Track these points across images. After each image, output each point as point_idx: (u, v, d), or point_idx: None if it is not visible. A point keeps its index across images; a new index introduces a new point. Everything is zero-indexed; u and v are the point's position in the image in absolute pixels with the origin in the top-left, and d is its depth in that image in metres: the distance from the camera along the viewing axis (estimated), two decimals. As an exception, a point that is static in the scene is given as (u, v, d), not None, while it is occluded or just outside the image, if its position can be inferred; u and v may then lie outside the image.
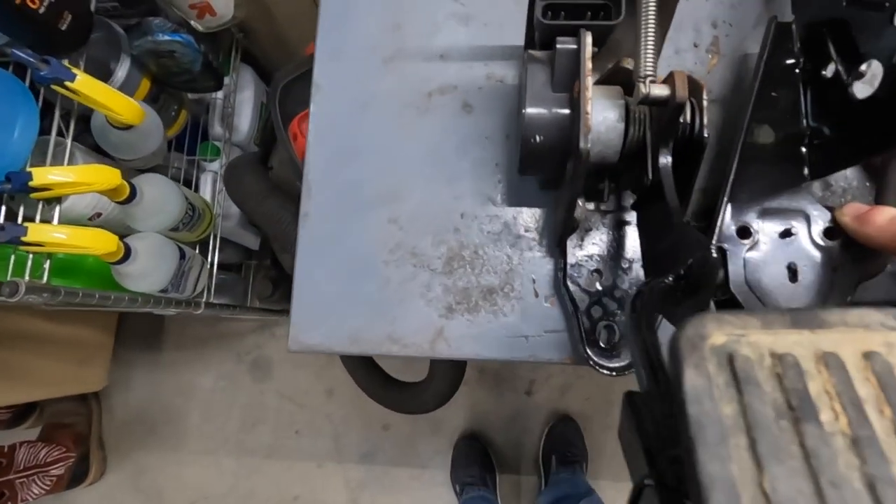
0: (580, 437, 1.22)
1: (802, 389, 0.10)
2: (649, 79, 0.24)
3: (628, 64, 0.28)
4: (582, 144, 0.23)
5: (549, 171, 0.28)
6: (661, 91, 0.23)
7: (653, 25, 0.24)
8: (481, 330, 0.30)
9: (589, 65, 0.24)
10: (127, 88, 0.86)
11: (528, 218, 0.31)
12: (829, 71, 0.27)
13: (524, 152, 0.26)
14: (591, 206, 0.31)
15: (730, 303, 0.28)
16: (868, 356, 0.11)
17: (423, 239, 0.31)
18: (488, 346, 0.30)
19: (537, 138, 0.26)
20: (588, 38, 0.24)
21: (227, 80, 1.07)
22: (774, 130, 0.29)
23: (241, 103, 1.15)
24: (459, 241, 0.31)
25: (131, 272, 0.74)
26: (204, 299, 0.98)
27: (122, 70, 0.85)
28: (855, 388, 0.11)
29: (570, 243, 0.30)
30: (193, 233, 0.92)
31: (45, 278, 0.64)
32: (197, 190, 1.07)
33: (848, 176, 0.30)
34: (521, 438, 1.30)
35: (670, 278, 0.21)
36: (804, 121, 0.28)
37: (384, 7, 0.34)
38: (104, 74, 0.84)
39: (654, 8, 0.24)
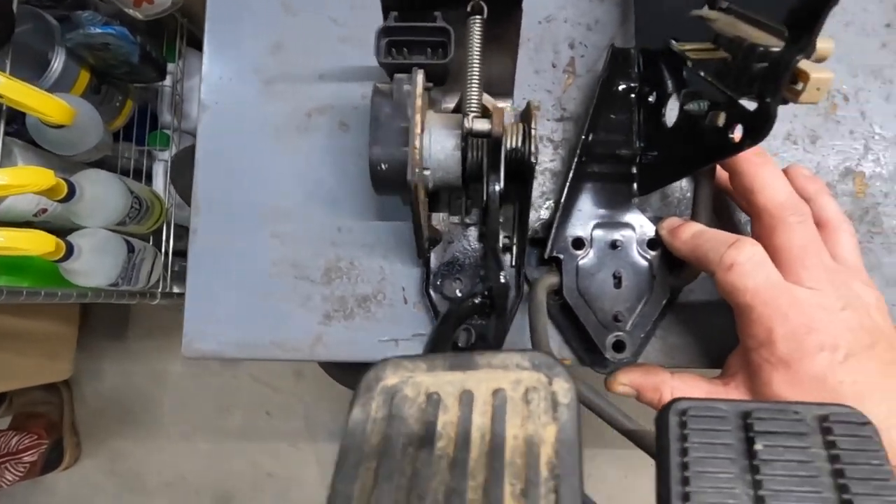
0: None
1: (434, 422, 0.14)
2: (472, 114, 0.26)
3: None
4: (409, 177, 0.26)
5: (400, 193, 0.31)
6: (482, 126, 0.26)
7: (477, 66, 0.27)
8: (356, 335, 0.33)
9: (419, 102, 0.26)
10: (64, 81, 0.85)
11: (399, 230, 0.34)
12: (653, 97, 0.30)
13: (373, 178, 0.29)
14: (455, 219, 0.34)
15: (565, 306, 0.31)
16: (496, 392, 0.14)
17: (303, 252, 0.34)
18: (363, 349, 0.33)
19: (382, 166, 0.28)
20: (419, 77, 0.27)
21: (173, 66, 1.06)
22: (610, 150, 0.32)
23: (191, 89, 1.13)
24: (337, 253, 0.34)
25: (77, 269, 0.76)
26: (160, 289, 1.00)
27: (57, 62, 0.84)
28: (472, 419, 0.14)
29: (434, 254, 0.33)
30: (143, 225, 0.93)
31: (-15, 279, 0.66)
32: (150, 180, 1.07)
33: (683, 187, 0.33)
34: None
35: (478, 298, 0.24)
36: (636, 141, 0.31)
37: (267, 28, 0.36)
38: (41, 66, 0.83)
39: (477, 51, 0.27)
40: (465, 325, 0.32)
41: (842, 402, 0.25)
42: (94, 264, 0.78)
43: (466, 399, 0.14)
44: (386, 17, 0.28)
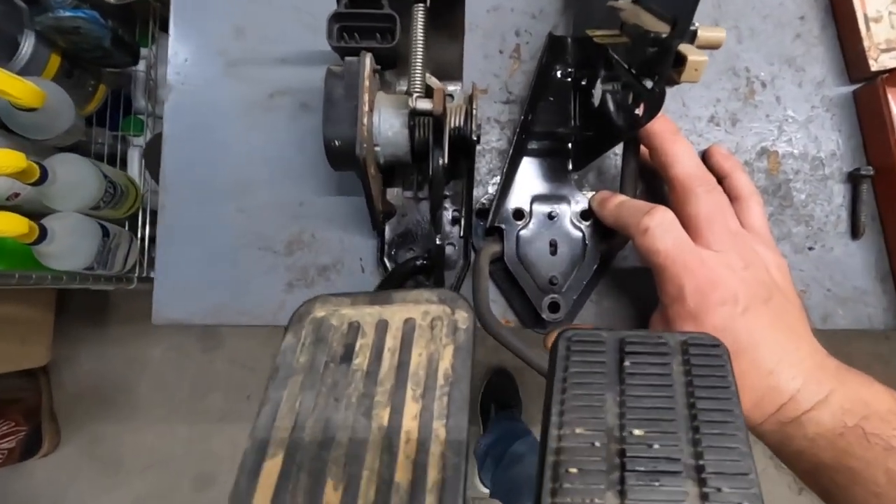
0: (515, 387, 1.33)
1: (353, 344, 0.16)
2: (416, 94, 0.29)
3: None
4: (357, 151, 0.28)
5: (354, 168, 0.33)
6: (425, 105, 0.29)
7: (420, 50, 0.29)
8: (317, 301, 0.36)
9: (366, 83, 0.29)
10: (35, 64, 0.85)
11: (357, 204, 0.36)
12: (585, 81, 0.33)
13: (328, 154, 0.31)
14: (408, 193, 0.36)
15: (507, 272, 0.34)
16: (407, 321, 0.17)
17: (267, 226, 0.36)
18: (323, 314, 0.36)
19: (336, 143, 0.31)
20: (367, 60, 0.29)
21: (147, 51, 1.05)
22: (548, 129, 0.34)
23: (165, 75, 1.12)
24: (299, 226, 0.36)
25: (51, 252, 0.77)
26: (136, 274, 1.01)
27: (27, 45, 0.84)
28: (385, 341, 0.17)
29: (389, 226, 0.36)
30: (118, 210, 0.94)
31: (-42, 261, 0.66)
32: (125, 165, 1.07)
33: (617, 165, 0.36)
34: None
35: (420, 261, 0.27)
36: (572, 122, 0.34)
37: (230, 12, 0.38)
38: (9, 49, 0.83)
39: (421, 36, 0.29)
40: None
41: (739, 349, 0.29)
42: (68, 247, 0.79)
43: (382, 326, 0.17)
44: (339, 3, 0.31)
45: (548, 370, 0.19)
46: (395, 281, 0.26)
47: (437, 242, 0.25)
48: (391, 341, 0.16)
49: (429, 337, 0.16)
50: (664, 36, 0.21)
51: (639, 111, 0.25)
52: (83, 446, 1.39)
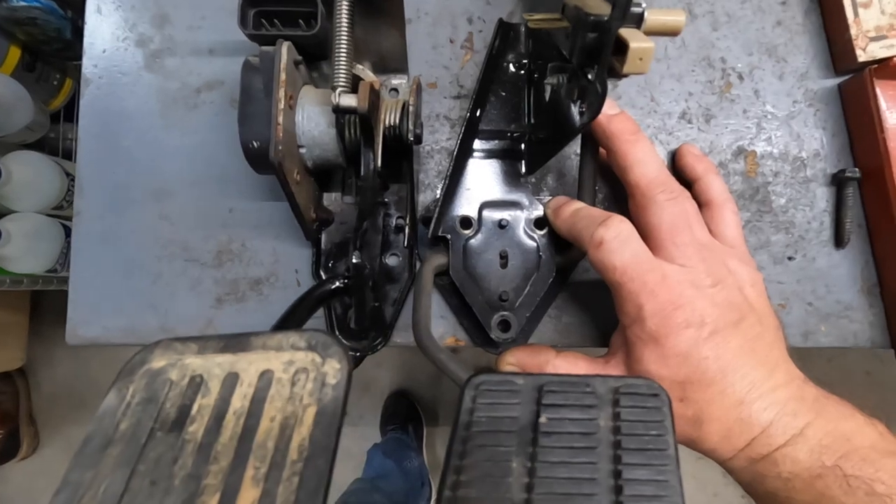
0: None
1: (189, 405, 0.13)
2: (340, 89, 0.25)
3: (355, 70, 0.30)
4: (271, 155, 0.25)
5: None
6: (349, 101, 0.25)
7: (345, 38, 0.26)
8: (249, 319, 0.33)
9: (283, 76, 0.25)
10: (-8, 58, 0.81)
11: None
12: (539, 75, 0.29)
13: (247, 157, 0.28)
14: (348, 199, 0.33)
15: (452, 285, 0.31)
16: (263, 374, 0.14)
17: (193, 234, 0.33)
18: (255, 331, 0.32)
19: (254, 144, 0.27)
20: (284, 49, 0.26)
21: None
22: (499, 127, 0.31)
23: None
24: (228, 235, 0.33)
25: (7, 255, 0.73)
26: (107, 276, 0.97)
27: (-18, 38, 0.80)
28: (231, 402, 0.13)
29: (327, 234, 0.32)
30: (85, 210, 0.90)
31: None
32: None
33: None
34: (447, 394, 1.38)
35: (337, 282, 0.24)
36: (525, 120, 0.31)
37: (152, -2, 0.34)
38: (-37, 42, 0.79)
39: (345, 22, 0.26)
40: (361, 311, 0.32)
41: (705, 377, 0.25)
42: (26, 249, 0.76)
43: (230, 381, 0.14)
44: (257, -15, 0.27)
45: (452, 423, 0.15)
46: (301, 312, 0.23)
47: (355, 261, 0.22)
48: (239, 401, 0.13)
49: (287, 395, 0.13)
50: (605, 19, 0.18)
51: (584, 108, 0.21)
52: (62, 449, 1.36)
